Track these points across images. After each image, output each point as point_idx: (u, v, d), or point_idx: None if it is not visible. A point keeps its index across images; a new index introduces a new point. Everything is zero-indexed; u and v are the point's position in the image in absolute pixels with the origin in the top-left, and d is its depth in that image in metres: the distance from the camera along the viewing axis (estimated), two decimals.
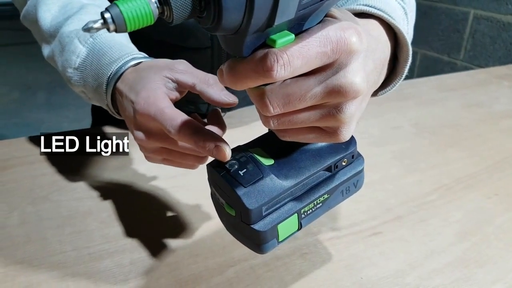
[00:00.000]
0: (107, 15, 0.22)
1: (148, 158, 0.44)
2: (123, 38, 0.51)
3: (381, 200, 0.55)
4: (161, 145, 0.40)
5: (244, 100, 0.78)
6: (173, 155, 0.42)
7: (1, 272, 0.43)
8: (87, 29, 0.22)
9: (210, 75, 0.42)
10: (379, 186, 0.58)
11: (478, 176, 0.61)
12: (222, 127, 0.43)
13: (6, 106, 2.86)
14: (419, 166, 0.63)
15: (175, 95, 0.43)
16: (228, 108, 0.76)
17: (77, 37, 0.49)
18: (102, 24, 0.22)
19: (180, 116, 0.37)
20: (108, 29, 0.22)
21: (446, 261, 0.46)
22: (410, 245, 0.48)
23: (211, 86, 0.42)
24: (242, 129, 0.72)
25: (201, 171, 0.59)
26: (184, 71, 0.42)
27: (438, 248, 0.48)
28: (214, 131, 0.41)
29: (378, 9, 0.43)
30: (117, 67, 0.45)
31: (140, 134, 0.40)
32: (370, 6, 0.43)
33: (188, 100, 0.65)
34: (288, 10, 0.24)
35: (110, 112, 0.48)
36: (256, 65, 0.26)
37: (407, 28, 0.48)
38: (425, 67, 2.37)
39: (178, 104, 0.48)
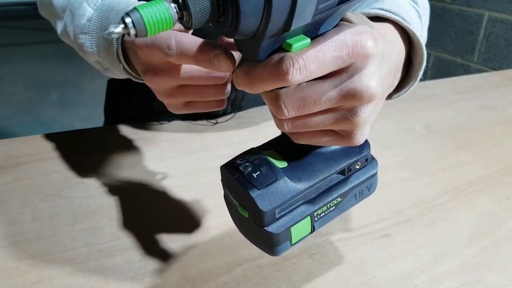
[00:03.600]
0: (127, 20, 0.22)
1: (169, 106, 0.42)
2: None
3: (390, 202, 0.55)
4: (172, 82, 0.38)
5: (254, 101, 0.79)
6: (190, 93, 0.39)
7: (13, 266, 0.44)
8: (108, 33, 0.23)
9: None
10: (389, 188, 0.58)
11: (489, 180, 0.61)
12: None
13: (20, 104, 2.90)
14: (430, 169, 0.63)
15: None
16: (238, 108, 0.77)
17: (85, 1, 0.49)
18: (123, 28, 0.23)
19: (174, 34, 0.35)
20: (129, 34, 0.23)
21: (455, 264, 0.45)
22: (420, 248, 0.48)
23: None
24: (252, 129, 0.73)
25: (211, 171, 0.60)
26: None
27: (448, 251, 0.47)
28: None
29: (392, 13, 0.43)
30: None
31: (149, 76, 0.38)
32: (385, 10, 0.43)
33: None
34: (305, 15, 0.25)
35: (128, 74, 0.46)
36: (272, 69, 0.26)
37: (421, 31, 0.48)
38: (438, 69, 2.35)
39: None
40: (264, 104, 0.81)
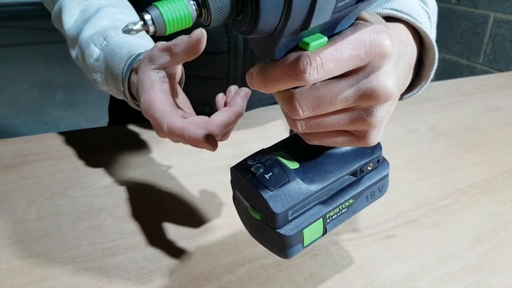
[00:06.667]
0: (147, 17, 0.22)
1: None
2: (135, 36, 0.52)
3: (395, 203, 0.55)
4: (165, 135, 0.42)
5: (258, 102, 0.79)
6: (182, 142, 0.42)
7: (18, 264, 0.44)
8: (127, 30, 0.22)
9: (171, 43, 0.41)
10: (393, 189, 0.58)
11: (494, 182, 0.60)
12: (237, 110, 0.43)
13: (26, 104, 2.92)
14: (435, 170, 0.63)
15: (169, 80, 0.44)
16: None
17: (92, 42, 0.51)
18: (142, 25, 0.22)
19: (166, 121, 0.39)
20: (148, 31, 0.22)
21: (459, 266, 0.45)
22: (423, 249, 0.47)
23: (177, 48, 0.41)
24: (257, 130, 0.73)
25: (216, 171, 0.60)
26: (159, 54, 0.42)
27: (452, 252, 0.47)
28: (227, 114, 0.42)
29: (404, 13, 0.43)
30: (125, 69, 0.47)
31: (155, 128, 0.42)
32: (397, 10, 0.43)
33: (204, 102, 0.66)
34: (324, 13, 0.24)
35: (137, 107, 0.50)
36: (289, 68, 0.26)
37: (430, 32, 0.48)
38: (443, 71, 2.34)
39: (193, 105, 0.48)
40: (268, 104, 0.81)
